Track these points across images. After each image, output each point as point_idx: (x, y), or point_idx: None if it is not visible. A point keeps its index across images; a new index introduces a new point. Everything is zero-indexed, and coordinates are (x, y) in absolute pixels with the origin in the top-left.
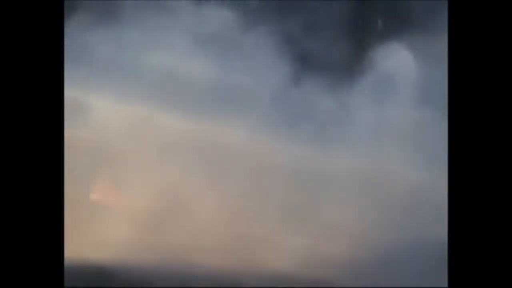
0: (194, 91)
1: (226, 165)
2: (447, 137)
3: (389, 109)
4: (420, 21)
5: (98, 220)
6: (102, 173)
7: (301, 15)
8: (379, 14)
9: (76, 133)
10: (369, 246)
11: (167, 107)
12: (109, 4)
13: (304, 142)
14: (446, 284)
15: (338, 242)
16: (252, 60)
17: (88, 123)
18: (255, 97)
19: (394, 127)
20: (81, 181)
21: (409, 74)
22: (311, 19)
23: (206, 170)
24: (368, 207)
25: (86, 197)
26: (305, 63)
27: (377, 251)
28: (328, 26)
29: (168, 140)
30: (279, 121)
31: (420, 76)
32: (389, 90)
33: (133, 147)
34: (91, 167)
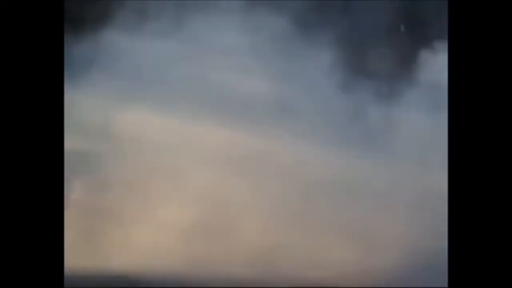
0: (240, 101)
1: (268, 175)
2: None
3: (438, 119)
4: None
5: (132, 230)
6: (135, 185)
7: (353, 23)
8: (437, 16)
9: (114, 144)
10: (418, 257)
11: (211, 118)
12: (155, 14)
13: (351, 154)
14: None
15: (385, 254)
16: (302, 70)
17: (126, 135)
18: (303, 108)
19: (443, 137)
20: (115, 193)
21: None
22: (363, 27)
23: (249, 180)
24: (415, 218)
25: (120, 208)
26: (355, 72)
27: (425, 260)
28: (378, 34)
29: (210, 151)
30: (326, 132)
31: None
32: (438, 99)
33: (173, 159)
34: (125, 179)
